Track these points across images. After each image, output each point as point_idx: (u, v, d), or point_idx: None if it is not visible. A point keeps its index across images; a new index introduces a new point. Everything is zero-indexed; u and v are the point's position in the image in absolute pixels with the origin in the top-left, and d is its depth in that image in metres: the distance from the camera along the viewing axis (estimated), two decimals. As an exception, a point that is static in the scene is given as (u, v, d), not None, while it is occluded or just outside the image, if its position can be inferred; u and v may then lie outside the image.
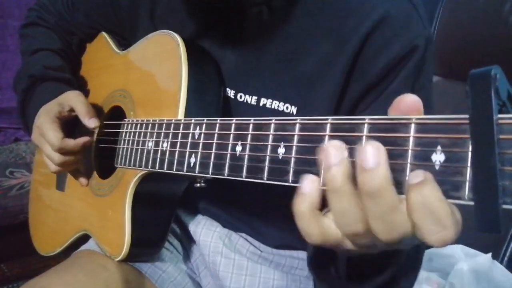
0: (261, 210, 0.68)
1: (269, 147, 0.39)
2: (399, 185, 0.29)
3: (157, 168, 0.53)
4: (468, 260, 0.78)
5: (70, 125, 0.70)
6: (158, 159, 0.53)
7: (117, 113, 0.68)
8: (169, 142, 0.52)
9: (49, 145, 0.66)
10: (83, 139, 0.66)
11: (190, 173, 0.48)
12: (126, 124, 0.63)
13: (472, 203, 0.26)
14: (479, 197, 0.25)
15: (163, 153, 0.52)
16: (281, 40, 0.56)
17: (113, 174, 0.66)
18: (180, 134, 0.50)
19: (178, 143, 0.50)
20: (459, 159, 0.27)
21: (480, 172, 0.25)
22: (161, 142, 0.53)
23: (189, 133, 0.48)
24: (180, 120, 0.50)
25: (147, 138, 0.56)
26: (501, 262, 0.79)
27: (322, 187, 0.32)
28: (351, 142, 0.33)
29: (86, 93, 0.78)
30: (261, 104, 0.58)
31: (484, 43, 0.91)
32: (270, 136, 0.39)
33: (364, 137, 0.32)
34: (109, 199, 0.65)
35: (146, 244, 0.64)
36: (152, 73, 0.62)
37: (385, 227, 0.29)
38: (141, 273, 0.67)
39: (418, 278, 0.47)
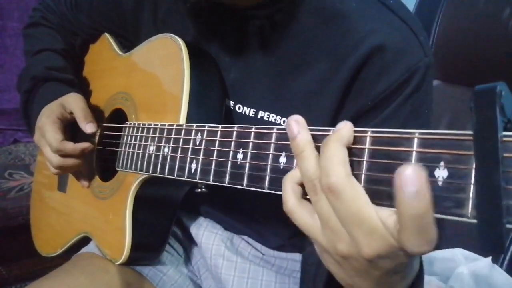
0: (262, 212, 0.68)
1: (270, 156, 0.38)
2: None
3: (158, 173, 0.53)
4: (468, 264, 0.78)
5: (73, 126, 0.69)
6: (159, 164, 0.53)
7: (119, 116, 0.68)
8: (170, 147, 0.51)
9: (48, 147, 0.66)
10: (83, 145, 0.66)
11: (191, 179, 0.47)
12: (127, 128, 0.62)
13: (475, 221, 0.25)
14: (483, 216, 0.24)
15: (164, 158, 0.52)
16: (281, 54, 0.56)
17: (114, 177, 0.66)
18: (181, 140, 0.50)
19: (180, 149, 0.50)
20: (462, 176, 0.27)
21: (484, 191, 0.25)
22: (162, 147, 0.53)
23: (190, 139, 0.48)
24: (182, 125, 0.50)
25: (149, 142, 0.56)
26: (501, 266, 0.79)
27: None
28: (353, 155, 0.33)
29: (88, 94, 0.78)
30: (259, 116, 0.58)
31: (484, 47, 0.91)
32: (272, 145, 0.38)
33: (366, 150, 0.32)
34: (110, 202, 0.65)
35: (146, 248, 0.64)
36: (154, 76, 0.61)
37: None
38: (142, 276, 0.67)
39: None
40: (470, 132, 0.27)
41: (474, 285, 0.75)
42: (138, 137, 0.59)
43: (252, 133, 0.40)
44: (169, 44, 0.59)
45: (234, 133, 0.42)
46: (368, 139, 0.32)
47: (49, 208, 0.83)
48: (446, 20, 0.96)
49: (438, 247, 0.30)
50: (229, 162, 0.42)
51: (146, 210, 0.61)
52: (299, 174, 0.33)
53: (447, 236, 0.77)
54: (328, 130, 0.34)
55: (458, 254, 0.81)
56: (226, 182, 0.43)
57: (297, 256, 0.71)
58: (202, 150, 0.46)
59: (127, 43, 0.75)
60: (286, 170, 0.37)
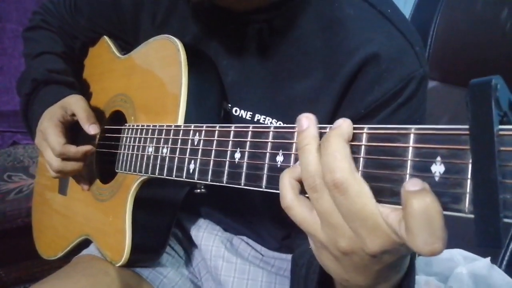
0: (261, 213, 0.68)
1: (267, 155, 0.38)
2: (396, 196, 0.29)
3: (157, 173, 0.53)
4: (467, 264, 0.78)
5: (74, 129, 0.69)
6: (158, 165, 0.53)
7: (118, 118, 0.68)
8: (168, 148, 0.51)
9: (50, 150, 0.65)
10: (85, 148, 0.66)
11: (189, 180, 0.47)
12: (126, 129, 0.63)
13: (472, 216, 0.25)
14: (480, 211, 0.24)
15: (163, 159, 0.52)
16: (278, 59, 0.56)
17: (113, 179, 0.66)
18: (179, 140, 0.50)
19: (178, 149, 0.50)
20: (459, 171, 0.26)
21: (480, 185, 0.25)
22: (161, 148, 0.53)
23: (188, 139, 0.48)
24: (180, 126, 0.50)
25: (147, 144, 0.56)
26: (499, 266, 0.79)
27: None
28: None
29: (87, 97, 0.78)
30: (255, 120, 0.58)
31: (482, 48, 0.91)
32: (269, 144, 0.38)
33: (362, 146, 0.32)
34: (110, 204, 0.65)
35: (146, 250, 0.64)
36: (152, 78, 0.61)
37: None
38: (142, 278, 0.67)
39: (417, 281, 0.47)
40: (466, 126, 0.26)
41: (473, 285, 0.75)
42: (137, 138, 0.59)
43: (249, 132, 0.40)
44: (167, 45, 0.59)
45: (232, 132, 0.42)
46: (364, 135, 0.32)
47: (51, 210, 0.83)
48: (444, 21, 0.96)
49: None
50: (227, 162, 0.42)
51: (146, 212, 0.61)
52: (298, 170, 0.33)
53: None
54: (325, 128, 0.34)
55: (457, 254, 0.80)
56: (224, 182, 0.43)
57: (297, 257, 0.71)
58: (200, 150, 0.46)
59: (126, 45, 0.75)
60: (283, 169, 0.37)
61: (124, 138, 0.63)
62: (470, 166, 0.26)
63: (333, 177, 0.30)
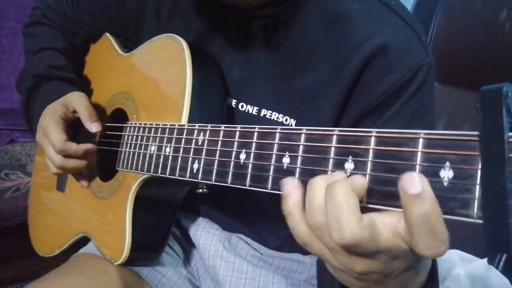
0: (261, 211, 0.68)
1: (273, 156, 0.38)
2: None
3: (159, 173, 0.53)
4: (464, 265, 0.78)
5: (75, 126, 0.69)
6: (160, 164, 0.53)
7: (120, 116, 0.68)
8: (172, 147, 0.51)
9: (51, 146, 0.65)
10: (86, 146, 0.65)
11: (192, 179, 0.47)
12: (128, 127, 0.62)
13: (481, 221, 0.25)
14: (489, 216, 0.25)
15: (166, 158, 0.52)
16: (284, 54, 0.57)
17: (114, 177, 0.65)
18: (183, 140, 0.50)
19: (181, 149, 0.50)
20: (468, 176, 0.27)
21: (490, 191, 0.25)
22: (164, 147, 0.53)
23: (192, 138, 0.48)
24: (184, 125, 0.50)
25: (150, 142, 0.56)
26: (496, 267, 0.79)
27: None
28: (357, 155, 0.33)
29: (88, 94, 0.78)
30: (261, 115, 0.58)
31: (481, 49, 0.92)
32: (275, 145, 0.38)
33: (371, 150, 0.32)
34: (110, 202, 0.65)
35: (146, 248, 0.63)
36: (156, 76, 0.61)
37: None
38: (141, 277, 0.66)
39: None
40: (476, 132, 0.27)
41: (470, 286, 0.76)
42: (140, 137, 0.58)
43: (255, 133, 0.40)
44: (171, 44, 0.58)
45: (237, 133, 0.42)
46: (373, 139, 0.32)
47: (48, 208, 0.82)
48: (443, 22, 0.96)
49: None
50: (232, 162, 0.42)
51: (146, 210, 0.61)
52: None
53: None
54: (333, 131, 0.34)
55: (454, 255, 0.81)
56: (229, 182, 0.43)
57: (295, 256, 0.71)
58: (204, 150, 0.46)
59: (128, 43, 0.74)
60: (289, 170, 0.37)
61: (126, 136, 0.62)
62: (479, 172, 0.26)
63: (342, 237, 0.28)
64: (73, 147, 0.64)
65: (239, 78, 0.60)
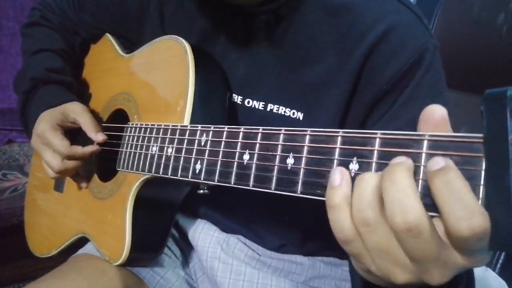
0: (259, 213, 0.68)
1: (277, 157, 0.39)
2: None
3: (161, 173, 0.53)
4: (462, 268, 0.79)
5: (68, 132, 0.69)
6: (162, 164, 0.53)
7: (120, 116, 0.68)
8: (174, 148, 0.51)
9: (54, 153, 0.65)
10: (92, 148, 0.66)
11: (195, 180, 0.47)
12: (129, 128, 0.62)
13: (485, 221, 0.26)
14: (494, 217, 0.25)
15: (168, 158, 0.52)
16: (288, 47, 0.57)
17: (114, 178, 0.65)
18: (186, 140, 0.50)
19: (184, 149, 0.50)
20: (472, 177, 0.27)
21: (494, 192, 0.25)
22: (166, 148, 0.53)
23: (195, 139, 0.48)
24: (186, 126, 0.50)
25: (152, 143, 0.56)
26: (493, 269, 0.80)
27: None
28: (362, 156, 0.33)
29: (89, 94, 0.78)
30: (268, 109, 0.58)
31: (479, 52, 0.92)
32: (279, 146, 0.39)
33: (375, 151, 0.32)
34: (109, 202, 0.65)
35: (145, 249, 0.63)
36: (158, 78, 0.61)
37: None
38: (140, 278, 0.66)
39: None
40: (480, 135, 0.27)
41: (467, 288, 0.76)
42: (141, 137, 0.58)
43: (259, 134, 0.41)
44: (174, 46, 0.59)
45: (241, 134, 0.42)
46: (377, 140, 0.32)
47: (45, 208, 0.82)
48: (441, 25, 0.97)
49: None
50: (235, 163, 0.42)
51: (146, 211, 0.61)
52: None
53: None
54: (337, 132, 0.35)
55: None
56: (232, 183, 0.43)
57: (294, 258, 0.71)
58: (207, 151, 0.46)
59: (129, 44, 0.75)
60: (293, 171, 0.37)
61: (127, 137, 0.62)
62: (483, 173, 0.27)
63: (406, 220, 0.27)
64: (79, 150, 0.65)
65: (245, 75, 0.60)
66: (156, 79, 0.62)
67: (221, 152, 0.44)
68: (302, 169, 0.37)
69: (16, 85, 0.78)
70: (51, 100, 0.70)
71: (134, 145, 0.60)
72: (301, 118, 0.57)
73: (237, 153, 0.42)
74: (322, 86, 0.55)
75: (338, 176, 0.32)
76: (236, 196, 0.65)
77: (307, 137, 0.37)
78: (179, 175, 0.50)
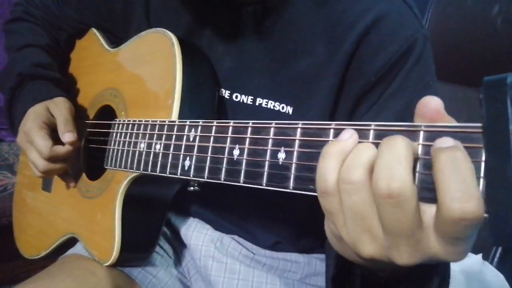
0: (253, 210, 0.67)
1: (268, 151, 0.37)
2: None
3: (149, 170, 0.52)
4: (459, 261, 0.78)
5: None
6: (150, 162, 0.51)
7: (107, 113, 0.66)
8: (162, 144, 0.50)
9: (38, 153, 0.64)
10: (65, 148, 0.64)
11: (184, 177, 0.46)
12: (117, 124, 0.61)
13: (486, 215, 0.25)
14: (494, 209, 0.24)
15: (156, 155, 0.50)
16: (276, 40, 0.56)
17: (102, 176, 0.64)
18: (174, 136, 0.48)
19: (172, 146, 0.48)
20: (471, 169, 0.26)
21: (495, 183, 0.24)
22: (153, 144, 0.51)
23: (183, 135, 0.47)
24: (174, 121, 0.49)
25: (139, 139, 0.54)
26: (491, 263, 0.80)
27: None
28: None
29: (75, 91, 0.76)
30: (257, 104, 0.57)
31: (473, 45, 0.92)
32: (270, 141, 0.37)
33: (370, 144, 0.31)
34: (98, 201, 0.63)
35: (136, 248, 0.62)
36: (145, 72, 0.60)
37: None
38: (131, 278, 0.65)
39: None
40: (479, 124, 0.26)
41: (465, 282, 0.76)
42: (128, 134, 0.57)
43: (249, 128, 0.39)
44: (160, 39, 0.57)
45: (230, 128, 0.41)
46: (371, 132, 0.31)
47: (33, 208, 0.80)
48: (435, 18, 0.97)
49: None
50: (225, 159, 0.41)
51: (135, 210, 0.60)
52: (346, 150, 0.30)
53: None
54: (329, 125, 0.33)
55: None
56: (222, 179, 0.41)
57: (289, 256, 0.70)
58: (196, 147, 0.45)
59: (115, 38, 0.73)
60: (285, 166, 0.36)
61: (114, 134, 0.61)
62: (483, 164, 0.25)
63: (390, 186, 0.26)
64: (61, 150, 0.63)
65: (232, 68, 0.59)
66: (143, 73, 0.60)
67: (210, 147, 0.43)
68: (293, 164, 0.35)
69: (1, 82, 0.76)
70: (38, 96, 0.68)
71: (121, 142, 0.58)
72: (290, 113, 0.55)
73: (226, 149, 0.41)
74: (311, 78, 0.54)
75: (347, 134, 0.31)
76: (228, 194, 0.64)
77: (299, 130, 0.35)
78: (168, 172, 0.48)
